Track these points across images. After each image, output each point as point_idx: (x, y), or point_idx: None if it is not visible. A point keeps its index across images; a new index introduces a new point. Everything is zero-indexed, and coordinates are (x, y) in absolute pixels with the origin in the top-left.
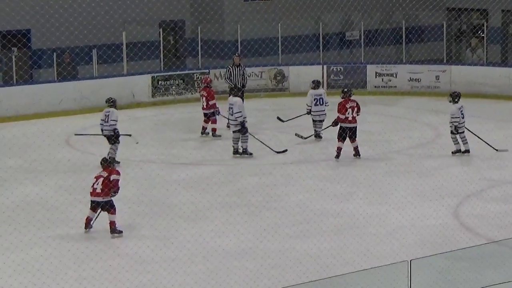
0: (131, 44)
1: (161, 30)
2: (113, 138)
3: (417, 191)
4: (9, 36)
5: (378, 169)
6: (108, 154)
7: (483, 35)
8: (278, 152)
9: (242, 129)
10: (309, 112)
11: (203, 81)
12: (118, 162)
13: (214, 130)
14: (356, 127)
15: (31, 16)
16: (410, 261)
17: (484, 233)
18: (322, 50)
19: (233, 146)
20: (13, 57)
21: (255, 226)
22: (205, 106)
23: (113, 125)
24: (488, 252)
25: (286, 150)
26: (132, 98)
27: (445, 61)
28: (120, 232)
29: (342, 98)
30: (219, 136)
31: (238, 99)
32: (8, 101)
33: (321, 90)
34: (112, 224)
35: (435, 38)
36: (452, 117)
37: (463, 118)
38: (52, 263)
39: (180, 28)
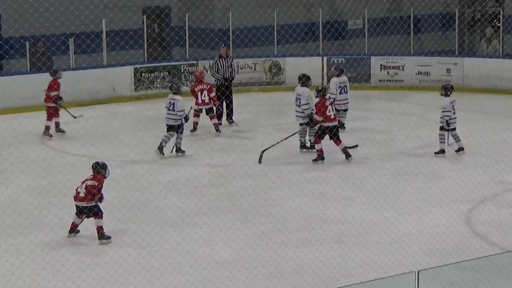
0: (112, 33)
1: (145, 17)
2: (179, 127)
3: (425, 196)
4: None
5: (383, 171)
6: (175, 144)
7: (499, 25)
8: (349, 148)
9: (310, 122)
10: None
11: (199, 75)
12: (184, 151)
13: (217, 125)
14: (337, 126)
15: (1, 1)
16: (418, 272)
17: (498, 242)
18: (322, 40)
19: (300, 140)
20: None
21: (248, 233)
22: (207, 101)
23: (181, 115)
24: (503, 262)
25: (357, 146)
26: (112, 92)
27: (457, 52)
28: (109, 238)
29: (318, 98)
30: (220, 132)
31: (305, 89)
32: None
33: (345, 77)
34: (99, 229)
35: (446, 28)
36: (443, 111)
37: (454, 113)
38: (24, 273)
39: (166, 15)
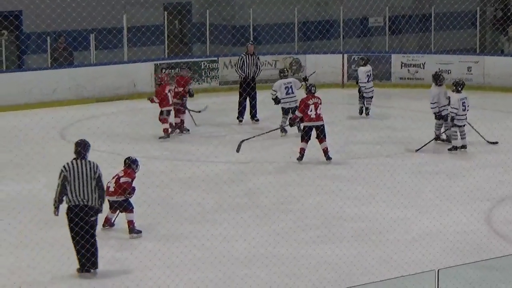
0: (133, 29)
1: (166, 13)
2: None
3: (445, 194)
4: None
5: (403, 169)
6: (281, 124)
7: None
8: (491, 143)
9: (445, 116)
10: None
11: (165, 78)
12: (286, 131)
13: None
14: (323, 125)
15: None
16: (438, 270)
17: None
18: (343, 38)
19: (435, 132)
20: (3, 41)
21: (268, 230)
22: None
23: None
24: None
25: (497, 142)
26: (133, 88)
27: (478, 51)
28: (139, 232)
29: (306, 94)
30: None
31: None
32: None
33: (370, 67)
34: (129, 223)
35: (468, 26)
36: (451, 107)
37: (464, 110)
38: (44, 268)
39: (187, 12)
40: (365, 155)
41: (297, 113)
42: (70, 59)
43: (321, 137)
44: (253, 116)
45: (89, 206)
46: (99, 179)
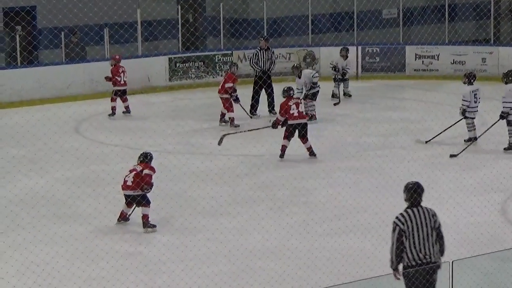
0: (146, 23)
1: (179, 7)
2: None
3: (460, 185)
4: (12, 14)
5: (417, 161)
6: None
7: None
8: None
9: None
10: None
11: (118, 58)
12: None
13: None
14: (306, 123)
15: None
16: (452, 261)
17: None
18: (357, 30)
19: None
20: (17, 36)
21: (282, 223)
22: (126, 82)
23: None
24: None
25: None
26: (147, 82)
27: (492, 41)
28: (154, 226)
29: (284, 97)
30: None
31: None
32: (11, 85)
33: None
34: (144, 217)
35: (481, 16)
36: (462, 99)
37: (475, 102)
38: (58, 263)
39: (200, 5)
40: (378, 147)
41: (278, 117)
42: (83, 54)
43: (304, 136)
44: (272, 108)
45: (431, 262)
46: (439, 229)
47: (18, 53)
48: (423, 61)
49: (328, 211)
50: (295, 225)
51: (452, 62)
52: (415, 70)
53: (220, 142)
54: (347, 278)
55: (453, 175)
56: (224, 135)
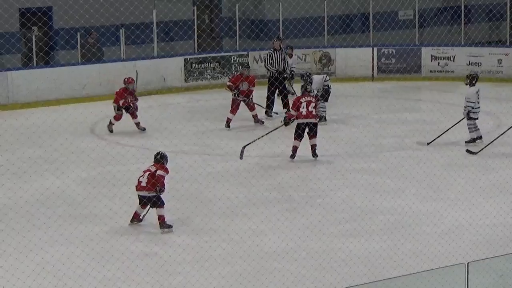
0: (162, 23)
1: (195, 8)
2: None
3: (475, 187)
4: (28, 14)
5: (433, 162)
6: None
7: None
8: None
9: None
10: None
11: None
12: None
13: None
14: (316, 124)
15: None
16: (468, 263)
17: None
18: (372, 31)
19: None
20: (33, 37)
21: (297, 224)
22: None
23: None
24: None
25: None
26: (163, 83)
27: (508, 43)
28: (170, 226)
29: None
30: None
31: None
32: (27, 85)
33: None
34: (160, 218)
35: (497, 18)
36: (467, 101)
37: (478, 103)
38: (74, 263)
39: (216, 6)
40: (394, 148)
41: (291, 111)
42: (99, 54)
43: (313, 134)
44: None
45: None
46: None
47: (34, 54)
48: (439, 62)
49: (343, 212)
50: (311, 226)
51: (468, 63)
52: (431, 71)
53: (241, 156)
54: (363, 279)
55: (469, 176)
56: (244, 147)
